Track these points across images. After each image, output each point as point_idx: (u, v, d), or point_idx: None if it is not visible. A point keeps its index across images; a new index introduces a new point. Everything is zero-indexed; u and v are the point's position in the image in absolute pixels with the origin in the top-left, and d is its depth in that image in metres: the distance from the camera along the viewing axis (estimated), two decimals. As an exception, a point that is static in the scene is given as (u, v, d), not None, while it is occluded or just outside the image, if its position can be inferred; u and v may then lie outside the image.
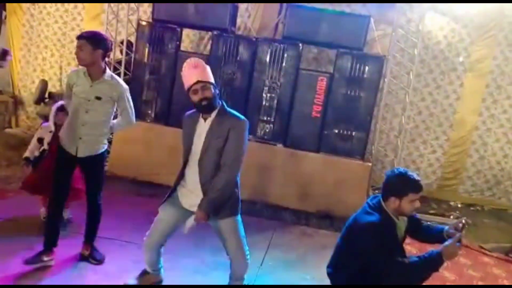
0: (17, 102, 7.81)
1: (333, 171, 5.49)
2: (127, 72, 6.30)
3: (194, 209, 3.00)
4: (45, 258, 3.46)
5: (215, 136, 2.94)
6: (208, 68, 3.02)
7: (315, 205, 5.48)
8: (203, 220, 2.94)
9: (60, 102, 4.13)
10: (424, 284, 2.70)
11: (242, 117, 3.03)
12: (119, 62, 6.37)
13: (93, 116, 3.40)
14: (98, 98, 3.35)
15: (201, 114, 3.01)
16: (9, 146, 5.98)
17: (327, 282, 2.96)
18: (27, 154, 4.22)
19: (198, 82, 2.91)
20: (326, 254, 3.06)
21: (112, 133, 3.70)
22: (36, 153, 4.24)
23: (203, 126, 2.99)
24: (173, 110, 5.80)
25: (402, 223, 2.83)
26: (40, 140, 4.25)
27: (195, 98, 2.93)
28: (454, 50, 6.73)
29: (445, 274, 4.27)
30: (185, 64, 3.00)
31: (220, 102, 3.02)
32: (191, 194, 3.04)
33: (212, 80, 2.99)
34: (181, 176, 3.11)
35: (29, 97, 7.73)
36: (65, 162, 3.51)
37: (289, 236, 4.91)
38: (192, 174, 3.03)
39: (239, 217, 3.10)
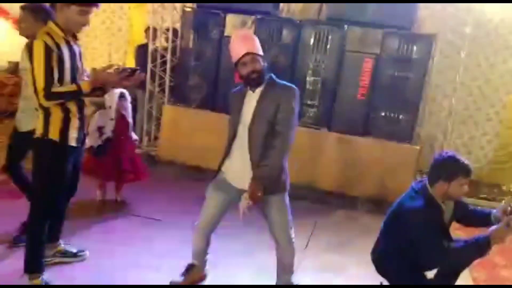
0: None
1: (379, 155, 5.40)
2: (174, 59, 6.42)
3: (241, 185, 2.91)
4: None
5: (265, 104, 2.84)
6: (257, 40, 2.91)
7: (361, 189, 5.43)
8: (258, 193, 2.77)
9: (120, 90, 4.23)
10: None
11: (292, 85, 2.93)
12: (166, 49, 6.49)
13: (28, 89, 3.11)
14: (24, 68, 3.24)
15: (249, 87, 2.93)
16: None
17: (372, 267, 2.96)
18: (91, 143, 4.22)
19: (247, 54, 2.80)
20: (372, 238, 3.04)
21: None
22: (99, 142, 4.30)
23: (252, 96, 2.90)
24: (219, 95, 5.86)
25: (448, 208, 2.78)
26: (100, 129, 4.32)
27: (244, 71, 2.83)
28: (508, 27, 6.41)
29: (496, 259, 4.17)
30: (233, 36, 2.91)
31: (269, 75, 2.94)
32: (239, 168, 2.94)
33: (261, 52, 2.89)
34: (228, 151, 3.01)
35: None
36: None
37: (334, 220, 4.92)
38: (241, 145, 2.91)
39: (286, 196, 2.99)
